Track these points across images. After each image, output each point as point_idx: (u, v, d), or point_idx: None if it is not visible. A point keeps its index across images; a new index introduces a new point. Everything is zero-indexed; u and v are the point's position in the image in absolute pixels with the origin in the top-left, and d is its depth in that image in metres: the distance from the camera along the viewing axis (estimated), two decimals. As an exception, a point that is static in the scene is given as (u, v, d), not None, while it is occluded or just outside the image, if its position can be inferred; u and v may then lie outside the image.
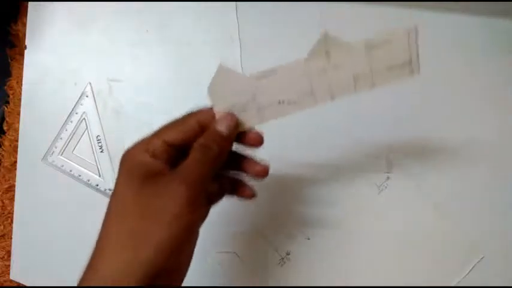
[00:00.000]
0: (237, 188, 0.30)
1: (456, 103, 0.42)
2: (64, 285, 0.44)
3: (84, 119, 0.46)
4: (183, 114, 0.28)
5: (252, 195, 0.30)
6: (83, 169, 0.46)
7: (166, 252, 0.23)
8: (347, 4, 0.43)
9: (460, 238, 0.40)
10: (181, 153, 0.27)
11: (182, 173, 0.25)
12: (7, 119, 0.48)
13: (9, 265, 0.47)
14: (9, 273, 0.46)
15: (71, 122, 0.46)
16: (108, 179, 0.45)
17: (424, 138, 0.41)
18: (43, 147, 0.46)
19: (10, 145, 0.48)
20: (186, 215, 0.24)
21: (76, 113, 0.46)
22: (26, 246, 0.46)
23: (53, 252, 0.46)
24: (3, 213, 0.48)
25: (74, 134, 0.46)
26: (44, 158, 0.46)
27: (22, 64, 0.47)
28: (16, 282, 0.46)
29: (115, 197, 0.25)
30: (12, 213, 0.47)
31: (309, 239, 0.42)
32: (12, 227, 0.47)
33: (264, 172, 0.29)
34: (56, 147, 0.46)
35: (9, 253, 0.47)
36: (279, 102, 0.28)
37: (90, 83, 0.46)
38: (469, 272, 0.40)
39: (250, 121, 0.28)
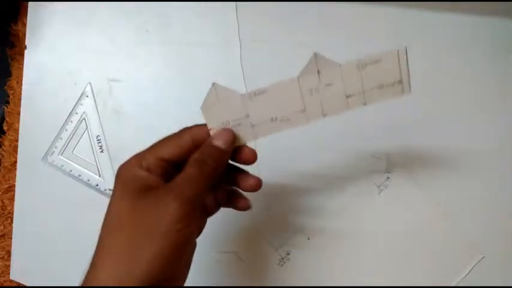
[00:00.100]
0: (232, 200, 0.30)
1: (456, 103, 0.42)
2: (64, 285, 0.44)
3: (84, 119, 0.46)
4: (178, 130, 0.28)
5: (247, 206, 0.30)
6: (83, 169, 0.46)
7: (160, 265, 0.23)
8: (347, 4, 0.43)
9: (460, 238, 0.40)
10: (175, 168, 0.27)
11: (177, 188, 0.25)
12: (7, 119, 0.48)
13: (9, 265, 0.47)
14: (9, 273, 0.46)
15: (71, 122, 0.46)
16: (108, 179, 0.45)
17: (424, 138, 0.41)
18: (43, 147, 0.46)
19: (10, 145, 0.48)
20: (181, 230, 0.24)
21: (76, 113, 0.46)
22: (26, 246, 0.46)
23: (53, 252, 0.46)
24: (3, 213, 0.48)
25: (74, 134, 0.46)
26: (44, 158, 0.46)
27: (22, 64, 0.47)
28: (16, 282, 0.46)
29: (110, 210, 0.26)
30: (12, 213, 0.47)
31: (309, 239, 0.42)
32: (12, 227, 0.47)
33: (257, 186, 0.29)
34: (56, 147, 0.46)
35: (9, 253, 0.47)
36: (272, 120, 0.28)
37: (90, 83, 0.46)
38: (469, 272, 0.40)
39: (244, 138, 0.29)
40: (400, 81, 0.27)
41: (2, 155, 0.48)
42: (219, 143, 0.27)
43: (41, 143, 0.46)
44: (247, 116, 0.28)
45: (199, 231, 0.29)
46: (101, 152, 0.46)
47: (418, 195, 0.41)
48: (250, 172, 0.30)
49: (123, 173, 0.26)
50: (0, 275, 0.47)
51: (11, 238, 0.47)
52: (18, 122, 0.47)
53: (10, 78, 0.48)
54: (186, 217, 0.24)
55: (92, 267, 0.24)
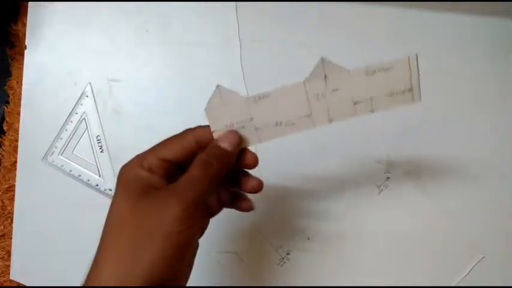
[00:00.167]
0: (235, 201, 0.30)
1: (456, 103, 0.42)
2: (64, 285, 0.44)
3: (84, 119, 0.46)
4: (181, 131, 0.28)
5: (250, 207, 0.30)
6: (83, 169, 0.46)
7: (162, 266, 0.23)
8: (347, 4, 0.43)
9: (460, 238, 0.40)
10: (178, 168, 0.27)
11: (180, 190, 0.25)
12: (7, 119, 0.48)
13: (9, 265, 0.47)
14: (9, 273, 0.46)
15: (71, 122, 0.46)
16: (108, 179, 0.45)
17: (424, 138, 0.41)
18: (43, 147, 0.46)
19: (10, 145, 0.48)
20: (183, 231, 0.24)
21: (76, 113, 0.46)
22: (26, 246, 0.46)
23: (53, 252, 0.46)
24: (3, 213, 0.48)
25: (74, 134, 0.46)
26: (44, 158, 0.46)
27: (22, 64, 0.47)
28: (16, 282, 0.46)
29: (112, 210, 0.25)
30: (12, 213, 0.47)
31: (309, 239, 0.42)
32: (12, 227, 0.47)
33: (258, 187, 0.29)
34: (56, 147, 0.46)
35: (9, 253, 0.47)
36: (276, 124, 0.28)
37: (90, 83, 0.46)
38: (469, 272, 0.40)
39: (248, 141, 0.29)
40: (410, 89, 0.27)
41: (2, 155, 0.48)
42: (225, 145, 0.27)
43: (41, 143, 0.46)
44: (251, 119, 0.28)
45: (202, 231, 0.29)
46: (101, 152, 0.46)
47: (418, 195, 0.41)
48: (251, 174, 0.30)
49: (125, 174, 0.26)
50: (0, 275, 0.47)
51: (11, 238, 0.47)
52: (18, 122, 0.47)
53: (10, 78, 0.48)
54: (188, 219, 0.24)
55: (93, 267, 0.24)
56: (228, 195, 0.30)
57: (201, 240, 0.28)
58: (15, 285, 0.46)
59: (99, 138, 0.46)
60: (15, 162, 0.47)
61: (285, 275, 0.42)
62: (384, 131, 0.41)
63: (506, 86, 0.41)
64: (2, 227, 0.48)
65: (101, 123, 0.46)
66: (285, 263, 0.42)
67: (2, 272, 0.47)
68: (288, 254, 0.42)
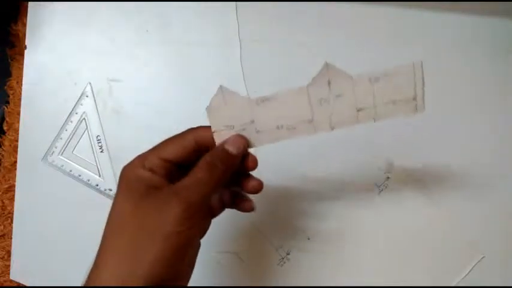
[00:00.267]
0: (237, 201, 0.31)
1: (456, 103, 0.42)
2: (64, 285, 0.44)
3: (84, 119, 0.46)
4: (182, 131, 0.28)
5: (251, 208, 0.30)
6: (83, 169, 0.46)
7: (163, 267, 0.23)
8: (347, 4, 0.43)
9: (460, 238, 0.40)
10: (179, 168, 0.27)
11: (183, 191, 0.25)
12: (7, 119, 0.48)
13: (9, 265, 0.47)
14: (9, 273, 0.46)
15: (71, 122, 0.46)
16: (108, 179, 0.45)
17: (424, 138, 0.41)
18: (43, 147, 0.46)
19: (10, 145, 0.48)
20: (184, 232, 0.24)
21: (76, 113, 0.46)
22: (26, 246, 0.46)
23: (53, 252, 0.46)
24: (3, 213, 0.48)
25: (74, 134, 0.46)
26: (44, 158, 0.46)
27: (22, 64, 0.47)
28: (16, 282, 0.46)
29: (113, 210, 0.26)
30: (12, 213, 0.47)
31: (309, 239, 0.42)
32: (12, 227, 0.47)
33: (259, 187, 0.29)
34: (56, 147, 0.46)
35: (9, 253, 0.47)
36: (278, 127, 0.28)
37: (90, 83, 0.46)
38: (469, 272, 0.40)
39: (249, 143, 0.29)
40: (415, 98, 0.26)
41: (2, 155, 0.48)
42: (231, 148, 0.27)
43: (41, 143, 0.46)
44: (253, 121, 0.28)
45: (203, 232, 0.29)
46: (101, 152, 0.46)
47: (418, 195, 0.41)
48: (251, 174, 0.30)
49: (126, 174, 0.26)
50: (0, 275, 0.47)
51: (11, 238, 0.47)
52: (18, 122, 0.47)
53: (10, 78, 0.48)
54: (188, 219, 0.24)
55: (95, 267, 0.24)
56: (229, 196, 0.30)
57: (201, 240, 0.28)
58: (15, 285, 0.46)
59: (99, 138, 0.46)
60: (15, 162, 0.47)
61: (285, 275, 0.42)
62: (384, 131, 0.41)
63: (506, 86, 0.41)
64: (2, 227, 0.48)
65: (101, 123, 0.46)
66: (285, 263, 0.42)
67: (2, 272, 0.47)
68: (288, 254, 0.42)
